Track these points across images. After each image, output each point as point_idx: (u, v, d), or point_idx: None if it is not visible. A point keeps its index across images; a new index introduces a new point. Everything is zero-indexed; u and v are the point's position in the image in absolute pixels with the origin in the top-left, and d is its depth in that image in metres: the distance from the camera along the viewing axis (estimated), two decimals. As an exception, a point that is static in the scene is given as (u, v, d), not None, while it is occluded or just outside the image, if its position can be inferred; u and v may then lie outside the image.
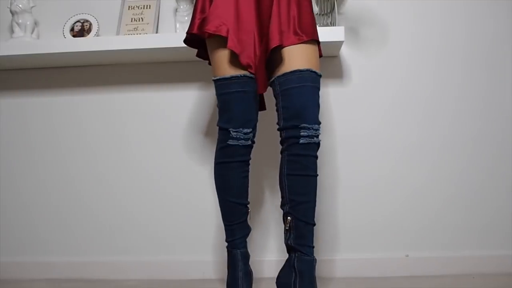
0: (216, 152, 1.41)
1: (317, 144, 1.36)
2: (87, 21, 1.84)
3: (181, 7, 1.77)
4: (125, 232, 1.83)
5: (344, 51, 1.80)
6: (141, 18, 1.83)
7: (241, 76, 1.34)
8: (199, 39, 1.43)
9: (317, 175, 1.37)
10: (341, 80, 1.80)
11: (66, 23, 1.85)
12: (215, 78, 1.37)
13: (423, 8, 1.81)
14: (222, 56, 1.34)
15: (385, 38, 1.80)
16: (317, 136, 1.35)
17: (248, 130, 1.37)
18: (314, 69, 1.35)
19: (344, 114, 1.80)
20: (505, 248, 1.73)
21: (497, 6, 1.79)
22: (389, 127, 1.79)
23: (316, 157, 1.37)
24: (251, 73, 1.34)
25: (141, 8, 1.85)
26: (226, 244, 1.43)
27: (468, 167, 1.77)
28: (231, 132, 1.35)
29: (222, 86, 1.36)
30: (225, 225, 1.43)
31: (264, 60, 1.34)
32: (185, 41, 1.46)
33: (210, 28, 1.31)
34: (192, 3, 1.79)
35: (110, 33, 1.85)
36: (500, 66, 1.78)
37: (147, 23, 1.82)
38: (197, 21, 1.37)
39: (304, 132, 1.33)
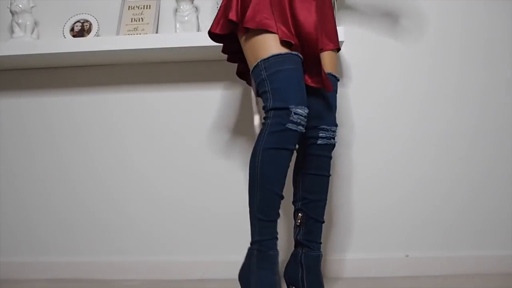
0: (265, 136, 1.24)
1: (333, 145, 1.42)
2: (87, 21, 1.84)
3: (181, 7, 1.77)
4: (125, 232, 1.83)
5: (344, 51, 1.80)
6: (141, 18, 1.83)
7: (294, 54, 1.28)
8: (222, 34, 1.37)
9: (330, 175, 1.43)
10: (341, 80, 1.80)
11: (66, 23, 1.85)
12: (267, 57, 1.26)
13: (423, 7, 1.81)
14: (271, 38, 1.28)
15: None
16: (334, 138, 1.41)
17: (307, 111, 1.26)
18: (334, 73, 1.41)
19: (344, 114, 1.79)
20: (505, 248, 1.73)
21: (494, 5, 1.79)
22: (389, 127, 1.79)
23: (331, 157, 1.42)
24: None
25: (141, 8, 1.85)
26: (256, 244, 1.27)
27: (468, 167, 1.77)
28: (292, 112, 1.22)
29: (275, 63, 1.26)
30: (261, 221, 1.26)
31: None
32: (211, 33, 1.38)
33: (252, 24, 1.27)
34: (193, 3, 1.78)
35: (110, 33, 1.84)
36: (498, 64, 1.78)
37: (147, 23, 1.82)
38: (234, 10, 1.30)
39: (322, 133, 1.38)
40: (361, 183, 1.78)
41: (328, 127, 1.39)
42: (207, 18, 1.84)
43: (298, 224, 1.41)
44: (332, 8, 1.45)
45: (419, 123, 1.78)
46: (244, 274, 1.30)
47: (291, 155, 1.27)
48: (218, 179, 1.82)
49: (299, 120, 1.24)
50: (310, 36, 1.28)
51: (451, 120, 1.78)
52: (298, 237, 1.41)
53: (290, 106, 1.22)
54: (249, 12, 1.28)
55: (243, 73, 1.51)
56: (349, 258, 1.74)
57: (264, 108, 1.29)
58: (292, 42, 1.27)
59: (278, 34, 1.27)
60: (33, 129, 1.89)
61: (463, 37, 1.80)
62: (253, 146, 1.28)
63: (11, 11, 1.80)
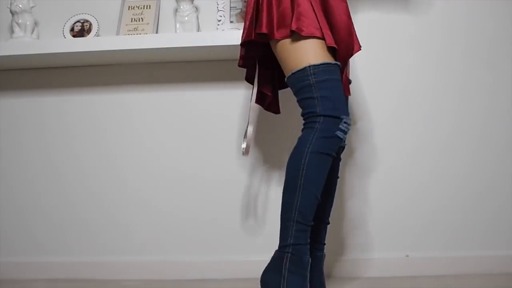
0: (313, 140, 1.24)
1: (343, 148, 1.45)
2: (87, 21, 1.85)
3: (181, 7, 1.77)
4: (125, 232, 1.83)
5: (344, 51, 1.80)
6: (141, 18, 1.83)
7: (338, 64, 1.31)
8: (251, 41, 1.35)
9: (339, 177, 1.46)
10: (341, 80, 1.80)
11: (66, 23, 1.85)
12: (318, 63, 1.26)
13: (424, 8, 1.81)
14: (319, 44, 1.28)
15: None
16: (345, 140, 1.40)
17: (351, 121, 1.30)
18: (348, 77, 1.43)
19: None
20: (505, 248, 1.73)
21: (499, 6, 1.79)
22: (389, 127, 1.79)
23: (341, 159, 1.46)
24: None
25: (141, 8, 1.85)
26: (289, 248, 1.23)
27: (468, 167, 1.77)
28: (342, 121, 1.25)
29: (325, 71, 1.27)
30: (299, 224, 1.23)
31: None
32: (243, 44, 1.37)
33: (302, 30, 1.26)
34: (193, 3, 1.79)
35: (110, 33, 1.84)
36: (503, 66, 1.78)
37: (147, 23, 1.82)
38: (275, 17, 1.29)
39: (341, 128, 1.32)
40: (361, 184, 1.78)
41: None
42: (207, 18, 1.84)
43: None
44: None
45: (421, 124, 1.78)
46: (271, 277, 1.24)
47: (331, 162, 1.29)
48: (217, 179, 1.81)
49: (346, 129, 1.27)
50: (345, 42, 1.31)
51: (453, 122, 1.78)
52: None
53: (341, 116, 1.25)
54: (295, 17, 1.26)
55: (251, 78, 1.48)
56: (349, 258, 1.74)
57: (306, 113, 1.29)
58: (337, 48, 1.28)
59: (325, 40, 1.27)
60: (33, 129, 1.89)
61: (467, 38, 1.80)
62: (295, 148, 1.28)
63: (11, 11, 1.80)
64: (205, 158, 1.82)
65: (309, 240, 1.25)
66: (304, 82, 1.27)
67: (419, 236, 1.75)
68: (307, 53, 1.27)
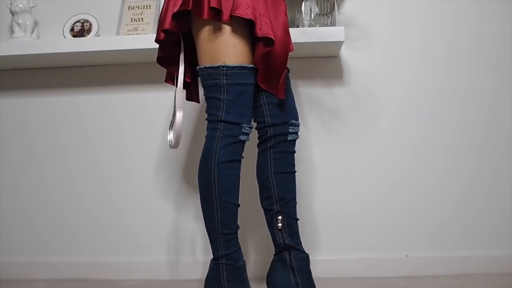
0: (218, 149, 1.25)
1: (294, 141, 1.40)
2: (87, 21, 1.84)
3: (181, 7, 1.77)
4: (125, 232, 1.83)
5: (344, 51, 1.80)
6: (141, 18, 1.83)
7: (254, 67, 1.28)
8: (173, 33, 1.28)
9: (296, 171, 1.41)
10: (341, 80, 1.80)
11: (66, 23, 1.85)
12: (232, 65, 1.23)
13: (425, 7, 1.81)
14: (241, 43, 1.25)
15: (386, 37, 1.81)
16: (297, 133, 1.39)
17: (253, 127, 1.33)
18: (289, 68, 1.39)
19: (344, 114, 1.80)
20: (505, 248, 1.73)
21: (505, 6, 1.79)
22: (389, 127, 1.79)
23: (295, 152, 1.41)
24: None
25: (141, 8, 1.85)
26: (223, 259, 1.28)
27: (468, 167, 1.76)
28: (244, 127, 1.27)
29: (239, 75, 1.24)
30: (225, 235, 1.27)
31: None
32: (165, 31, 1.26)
33: (241, 13, 1.21)
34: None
35: (110, 33, 1.85)
36: (507, 67, 1.77)
37: (147, 23, 1.82)
38: None
39: (292, 128, 1.37)
40: (362, 184, 1.78)
41: (296, 121, 1.38)
42: (207, 18, 1.84)
43: (280, 228, 1.34)
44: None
45: (422, 124, 1.78)
46: (213, 287, 1.29)
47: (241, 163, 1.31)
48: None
49: (248, 131, 1.29)
50: (281, 39, 1.27)
51: (457, 122, 1.78)
52: (286, 241, 1.34)
53: (242, 123, 1.27)
54: (235, 2, 1.22)
55: (167, 59, 1.38)
56: (349, 258, 1.74)
57: (209, 115, 1.29)
58: (273, 40, 1.23)
59: (260, 31, 1.22)
60: (33, 129, 1.89)
61: (471, 39, 1.79)
62: (201, 159, 1.28)
63: (11, 11, 1.81)
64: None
65: (239, 245, 1.30)
66: (215, 80, 1.25)
67: (419, 236, 1.75)
68: (223, 48, 1.24)
